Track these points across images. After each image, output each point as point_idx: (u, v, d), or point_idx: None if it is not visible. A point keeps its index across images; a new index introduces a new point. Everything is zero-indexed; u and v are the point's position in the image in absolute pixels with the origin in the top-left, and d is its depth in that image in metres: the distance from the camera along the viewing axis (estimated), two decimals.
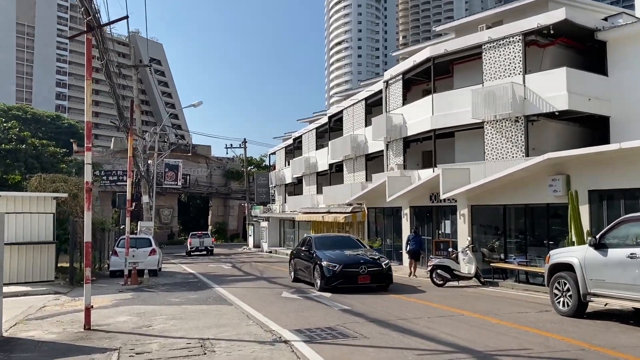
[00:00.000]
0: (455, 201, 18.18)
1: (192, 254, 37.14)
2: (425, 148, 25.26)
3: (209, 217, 63.86)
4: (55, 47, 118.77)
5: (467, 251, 14.91)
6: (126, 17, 10.04)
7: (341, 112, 31.41)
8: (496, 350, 6.69)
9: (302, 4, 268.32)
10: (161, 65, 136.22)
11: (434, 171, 20.81)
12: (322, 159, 34.29)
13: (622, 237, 8.22)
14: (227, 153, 50.09)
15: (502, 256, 15.99)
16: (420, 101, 22.70)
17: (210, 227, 62.61)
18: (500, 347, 6.84)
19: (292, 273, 16.59)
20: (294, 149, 41.52)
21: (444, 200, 18.77)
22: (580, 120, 19.47)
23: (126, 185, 47.47)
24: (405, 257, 21.27)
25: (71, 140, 31.75)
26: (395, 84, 24.67)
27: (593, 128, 19.43)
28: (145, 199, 30.96)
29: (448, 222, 18.87)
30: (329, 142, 32.00)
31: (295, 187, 41.13)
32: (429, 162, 24.77)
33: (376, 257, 14.17)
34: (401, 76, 24.07)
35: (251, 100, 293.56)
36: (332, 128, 33.63)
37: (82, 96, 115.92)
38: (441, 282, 14.60)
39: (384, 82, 25.55)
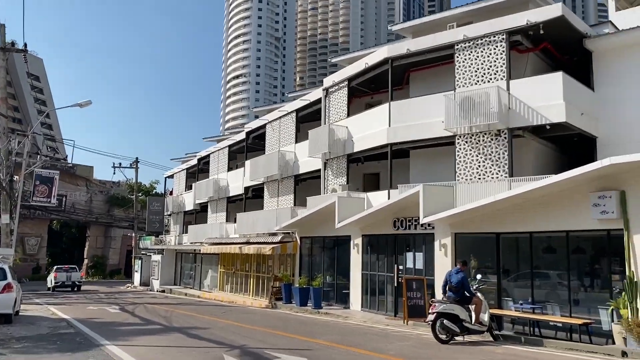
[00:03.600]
0: (432, 228, 14.44)
1: (57, 289, 33.48)
2: (368, 170, 21.72)
3: (86, 249, 54.98)
4: None
5: (477, 293, 11.08)
6: None
7: (264, 126, 27.00)
8: None
9: (196, 35, 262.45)
10: (40, 81, 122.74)
11: (388, 196, 17.10)
12: (236, 181, 29.39)
13: None
14: (114, 173, 43.65)
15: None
16: (372, 111, 19.14)
17: (86, 261, 53.87)
18: None
19: None
20: (197, 172, 36.04)
21: (415, 227, 14.99)
22: (559, 142, 16.99)
23: None
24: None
25: None
26: (338, 92, 20.96)
27: (571, 152, 17.04)
28: (4, 218, 23.82)
29: (420, 255, 15.00)
30: (248, 162, 27.32)
31: (197, 216, 35.44)
32: (372, 185, 21.23)
33: None
34: (346, 82, 20.43)
35: (141, 128, 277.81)
36: (250, 147, 29.00)
37: None
38: (446, 337, 10.55)
39: (323, 89, 21.76)
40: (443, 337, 10.53)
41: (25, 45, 24.29)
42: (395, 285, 15.46)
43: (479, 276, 11.68)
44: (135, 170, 41.80)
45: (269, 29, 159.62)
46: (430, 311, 10.70)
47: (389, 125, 17.75)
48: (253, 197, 28.80)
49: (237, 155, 32.37)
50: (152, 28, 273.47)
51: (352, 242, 17.64)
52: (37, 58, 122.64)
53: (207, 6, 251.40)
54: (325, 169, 21.14)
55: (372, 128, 18.72)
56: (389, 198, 17.15)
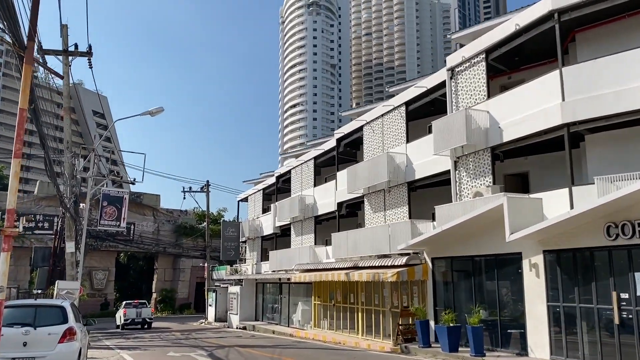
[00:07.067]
0: None
1: (126, 326, 31.01)
2: (510, 169, 16.85)
3: (154, 282, 52.09)
4: None
5: None
6: None
7: (359, 129, 22.73)
8: None
9: (253, 73, 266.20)
10: (104, 119, 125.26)
11: (570, 195, 12.29)
12: (325, 198, 25.16)
13: None
14: (184, 198, 40.47)
15: None
16: (527, 86, 14.40)
17: (154, 295, 50.84)
18: None
19: None
20: (276, 192, 32.13)
21: None
22: None
23: (46, 235, 34.92)
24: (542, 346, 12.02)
25: None
26: (470, 70, 16.41)
27: None
28: (69, 247, 20.51)
29: None
30: (343, 172, 23.04)
31: (277, 241, 31.37)
32: (517, 189, 16.25)
33: None
34: (483, 56, 15.87)
35: (202, 159, 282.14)
36: (342, 157, 24.82)
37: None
38: None
39: (447, 70, 17.26)
40: None
41: (90, 47, 21.32)
42: (617, 322, 10.41)
43: None
44: (207, 195, 38.48)
45: (324, 57, 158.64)
46: None
47: (563, 100, 12.98)
48: (347, 214, 24.47)
49: (322, 170, 28.29)
50: (208, 67, 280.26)
51: (524, 261, 12.70)
52: (102, 96, 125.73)
53: (262, 39, 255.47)
54: (456, 169, 16.48)
55: (528, 108, 14.04)
56: (570, 197, 12.32)
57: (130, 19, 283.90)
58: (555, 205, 12.75)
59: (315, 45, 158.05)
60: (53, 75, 19.33)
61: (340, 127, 25.80)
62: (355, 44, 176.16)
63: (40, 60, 15.06)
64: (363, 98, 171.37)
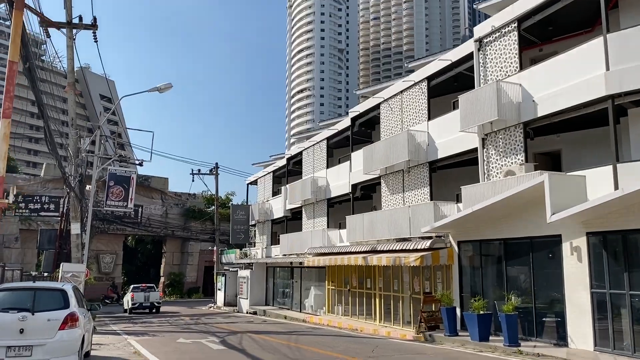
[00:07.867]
0: None
1: (134, 311, 30.20)
2: (540, 148, 15.78)
3: (162, 266, 51.49)
4: None
5: None
6: None
7: (376, 107, 21.65)
8: None
9: (260, 57, 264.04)
10: (112, 103, 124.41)
11: (614, 172, 11.24)
12: (338, 180, 24.20)
13: None
14: (192, 181, 39.65)
15: None
16: (570, 53, 13.16)
17: (162, 279, 50.29)
18: None
19: None
20: (287, 174, 31.18)
21: None
22: None
23: (53, 217, 34.17)
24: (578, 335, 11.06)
25: None
26: (501, 41, 15.26)
27: None
28: (74, 228, 19.70)
29: None
30: (359, 152, 22.02)
31: (287, 224, 30.49)
32: (547, 168, 15.18)
33: None
34: (515, 25, 14.72)
35: (209, 148, 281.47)
36: (355, 138, 23.78)
37: None
38: None
39: (475, 41, 16.11)
40: None
41: (95, 19, 20.34)
42: None
43: None
44: (216, 177, 37.59)
45: (331, 41, 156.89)
46: None
47: (607, 69, 11.87)
48: (361, 197, 23.52)
49: (334, 152, 27.32)
50: (215, 52, 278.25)
51: (565, 245, 11.68)
52: (109, 80, 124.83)
53: (269, 24, 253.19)
54: (484, 147, 15.44)
55: (567, 80, 12.94)
56: (615, 175, 11.28)
57: (137, 5, 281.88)
58: (597, 183, 11.73)
59: (322, 30, 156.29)
60: (60, 59, 18.34)
61: (347, 111, 24.75)
62: (363, 28, 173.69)
63: (36, 25, 14.05)
64: (370, 83, 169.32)
